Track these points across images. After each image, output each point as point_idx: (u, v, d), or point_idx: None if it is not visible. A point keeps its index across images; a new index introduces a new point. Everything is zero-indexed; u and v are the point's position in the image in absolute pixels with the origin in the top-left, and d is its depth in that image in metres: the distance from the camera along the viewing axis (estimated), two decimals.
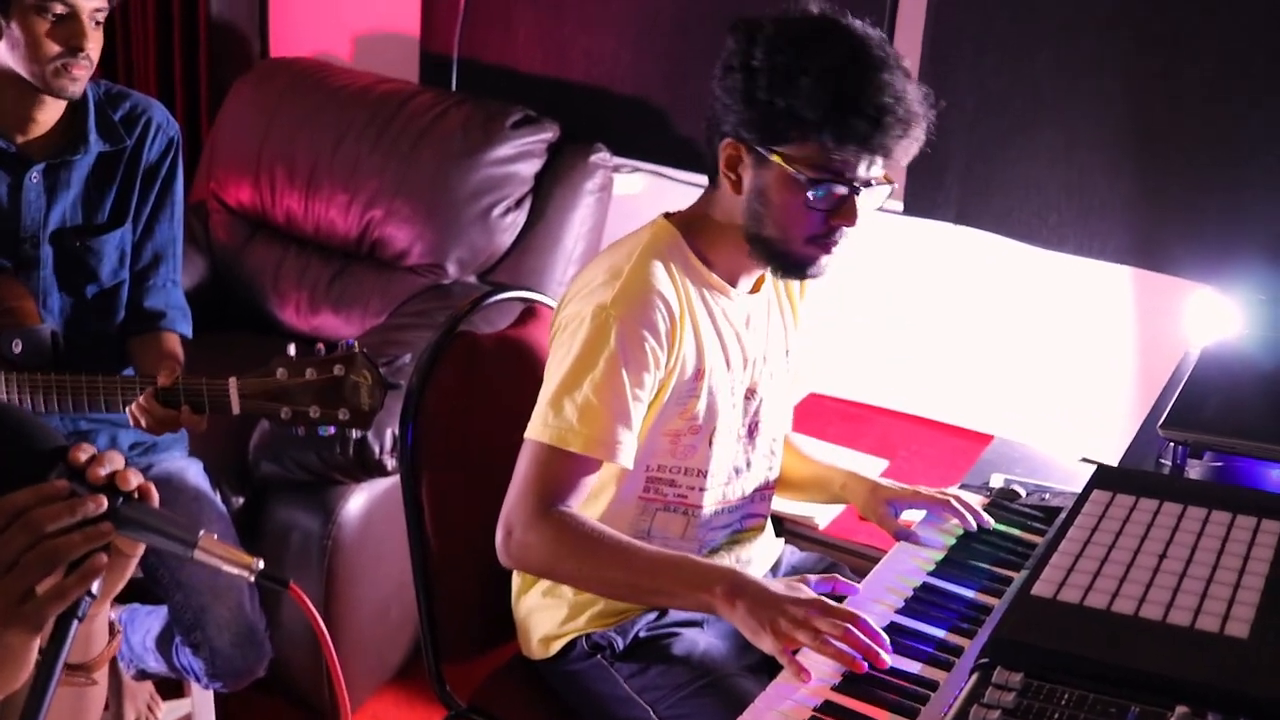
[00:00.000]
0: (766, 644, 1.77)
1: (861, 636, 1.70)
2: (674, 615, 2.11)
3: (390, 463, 2.80)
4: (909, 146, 1.95)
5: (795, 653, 1.73)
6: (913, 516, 2.15)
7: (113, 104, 2.53)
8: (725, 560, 2.16)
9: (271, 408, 2.20)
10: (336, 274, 3.43)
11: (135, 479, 1.21)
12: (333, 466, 2.80)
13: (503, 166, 3.31)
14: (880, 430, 3.18)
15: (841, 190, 1.94)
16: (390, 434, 2.79)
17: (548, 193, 3.35)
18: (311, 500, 2.85)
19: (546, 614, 2.16)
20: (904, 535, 2.08)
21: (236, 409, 2.22)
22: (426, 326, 2.98)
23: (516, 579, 2.21)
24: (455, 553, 2.23)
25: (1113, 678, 1.38)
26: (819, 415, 3.18)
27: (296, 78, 3.57)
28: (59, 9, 2.34)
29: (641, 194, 3.48)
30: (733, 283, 2.10)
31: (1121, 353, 3.06)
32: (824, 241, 1.99)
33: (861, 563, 2.42)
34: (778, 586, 1.83)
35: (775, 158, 1.94)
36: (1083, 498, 1.75)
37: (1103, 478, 1.80)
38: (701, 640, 2.10)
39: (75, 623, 1.17)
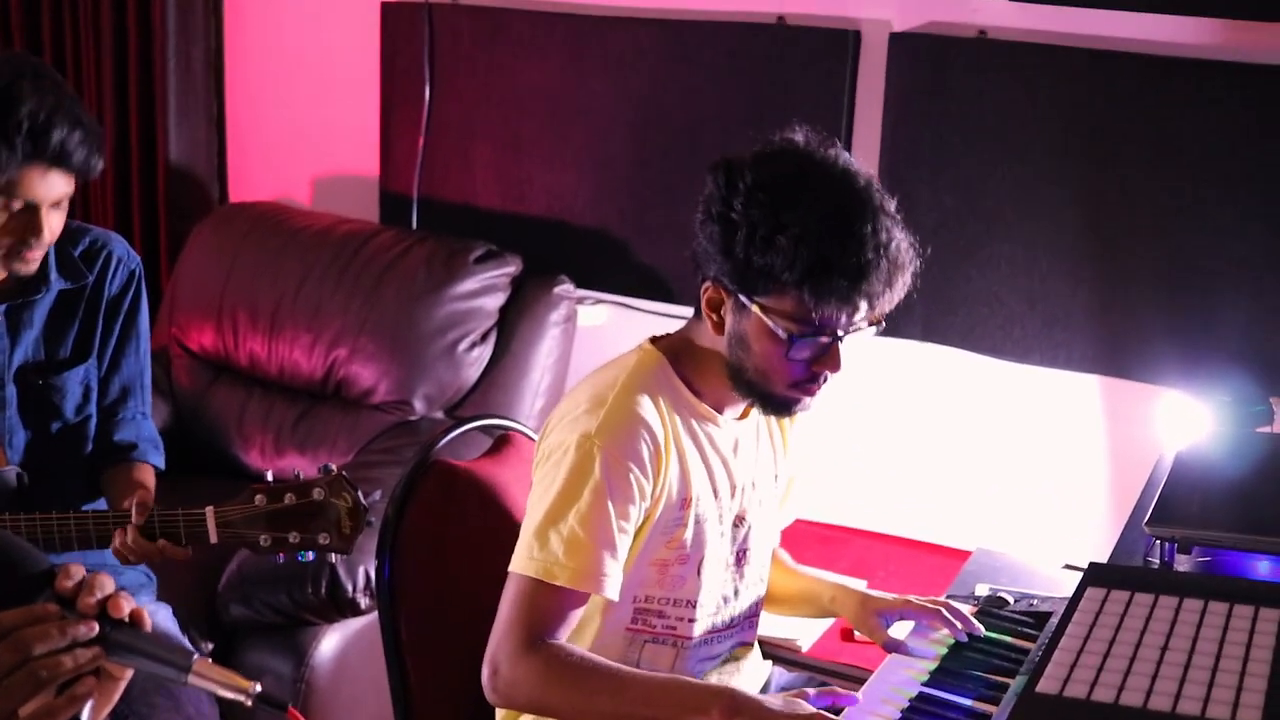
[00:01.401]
0: None
1: None
2: None
3: (364, 601, 2.75)
4: (893, 296, 1.93)
5: None
6: (902, 628, 2.12)
7: (72, 240, 2.50)
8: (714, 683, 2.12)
9: (250, 535, 2.15)
10: (301, 415, 3.40)
11: (128, 605, 1.18)
12: (304, 607, 2.75)
13: (467, 301, 3.31)
14: (857, 552, 3.15)
15: (823, 340, 1.92)
16: (363, 571, 2.74)
17: (513, 326, 3.35)
18: (283, 643, 2.79)
19: None
20: (894, 647, 2.05)
21: (214, 538, 2.17)
22: (395, 463, 2.95)
23: (500, 713, 2.16)
24: (435, 688, 2.18)
25: None
26: (793, 539, 3.14)
27: (257, 221, 3.58)
28: (17, 205, 2.27)
29: (606, 325, 3.48)
30: (720, 409, 2.08)
31: (1095, 459, 3.07)
32: (807, 386, 1.97)
33: (847, 684, 2.37)
34: (775, 703, 1.80)
35: (755, 308, 1.92)
36: (1078, 595, 1.74)
37: (1095, 575, 1.79)
38: None
39: None
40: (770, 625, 2.45)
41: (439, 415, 3.30)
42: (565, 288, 3.40)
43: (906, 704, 1.86)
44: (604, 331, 3.46)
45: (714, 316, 1.99)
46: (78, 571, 1.18)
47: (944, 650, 2.03)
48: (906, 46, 3.05)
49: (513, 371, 3.31)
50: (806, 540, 3.18)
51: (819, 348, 1.93)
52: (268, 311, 3.43)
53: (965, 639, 2.05)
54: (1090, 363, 2.99)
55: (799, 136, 1.97)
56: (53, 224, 2.35)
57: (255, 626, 2.80)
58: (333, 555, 2.18)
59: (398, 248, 3.40)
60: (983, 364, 3.10)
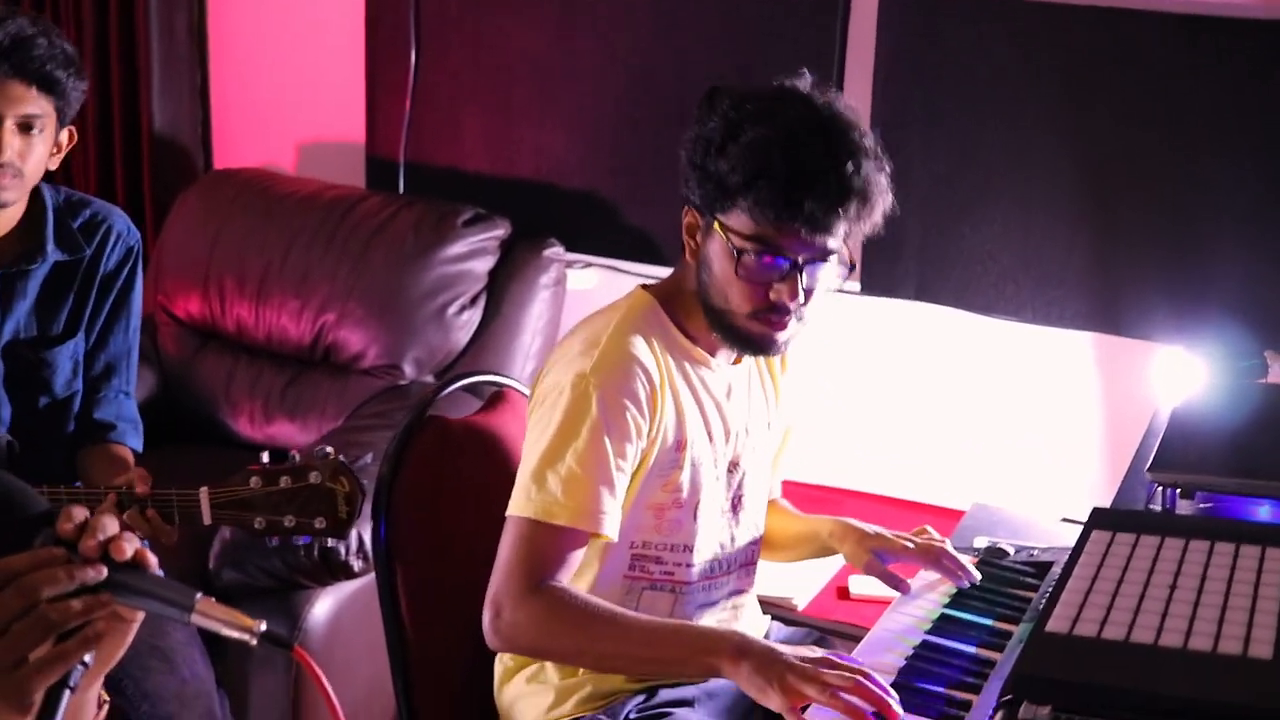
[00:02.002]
0: (774, 701, 1.72)
1: (873, 688, 1.65)
2: (664, 695, 2.05)
3: (357, 564, 2.73)
4: (852, 222, 1.91)
5: (804, 710, 1.68)
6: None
7: (72, 211, 2.46)
8: None
9: (245, 518, 2.12)
10: (290, 381, 3.37)
11: (130, 546, 1.15)
12: (298, 571, 2.72)
13: (456, 264, 3.29)
14: (849, 513, 3.08)
15: (774, 262, 1.90)
16: (356, 534, 2.71)
17: (502, 289, 3.33)
18: (276, 607, 2.76)
19: (531, 701, 2.08)
20: (895, 583, 2.03)
21: (208, 519, 2.14)
22: (386, 427, 2.91)
23: (499, 667, 2.14)
24: (433, 646, 2.16)
25: (1143, 706, 1.34)
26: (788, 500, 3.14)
27: (242, 187, 3.54)
28: None
29: (595, 288, 3.46)
30: (713, 353, 2.07)
31: (1090, 416, 3.07)
32: (767, 316, 1.95)
33: (844, 641, 2.37)
34: (782, 646, 1.78)
35: (716, 225, 1.94)
36: (1083, 539, 1.73)
37: (1099, 519, 1.77)
38: None
39: (67, 693, 1.11)
40: (766, 584, 2.43)
41: (429, 379, 3.27)
42: (555, 250, 3.38)
43: (911, 651, 1.85)
44: (594, 295, 3.44)
45: (691, 243, 2.01)
46: (79, 514, 1.15)
47: (945, 600, 2.02)
48: (897, 2, 3.03)
49: (503, 334, 3.29)
50: (801, 502, 3.15)
51: (771, 270, 1.91)
52: (255, 278, 3.40)
53: (965, 585, 2.04)
54: (1084, 319, 2.98)
55: (802, 81, 1.97)
56: (17, 146, 2.29)
57: (248, 591, 2.77)
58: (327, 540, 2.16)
59: (385, 212, 3.37)
60: (976, 322, 3.09)
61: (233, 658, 2.75)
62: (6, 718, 1.08)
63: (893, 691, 1.67)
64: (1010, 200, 2.99)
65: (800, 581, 2.75)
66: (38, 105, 2.28)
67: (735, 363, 2.12)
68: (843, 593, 2.78)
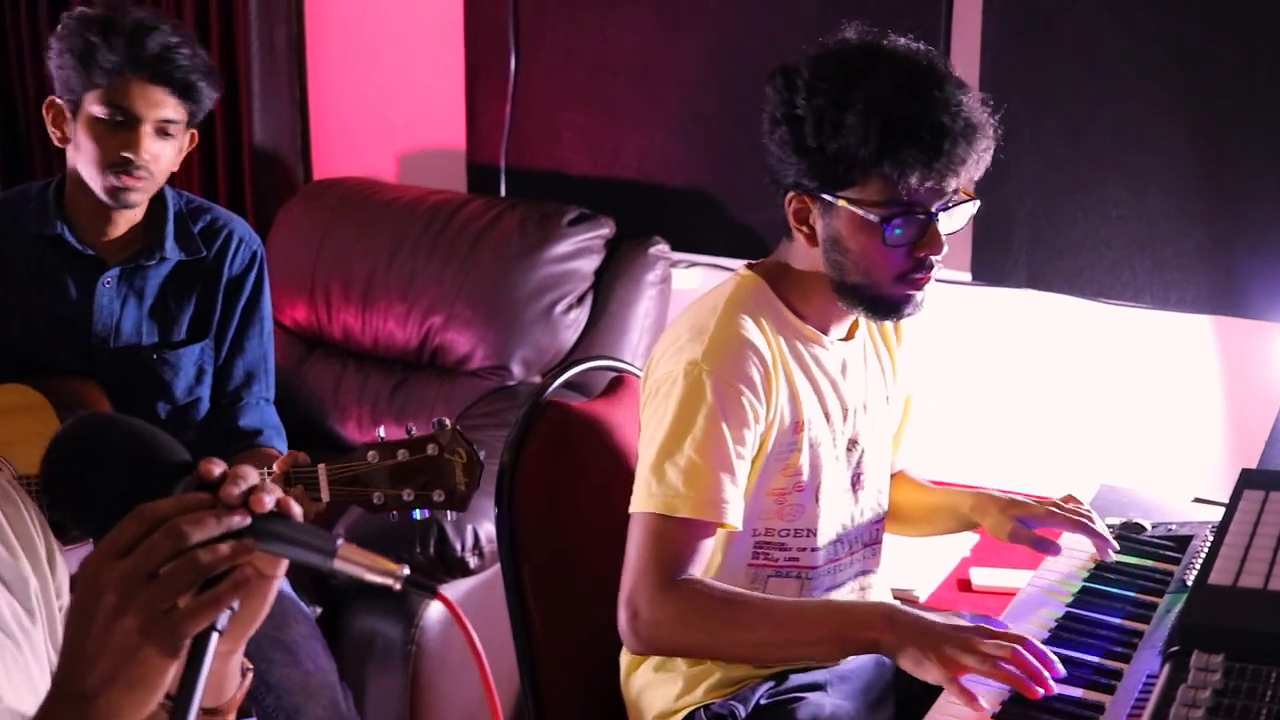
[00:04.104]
0: (931, 673, 1.67)
1: (1031, 659, 1.61)
2: (794, 680, 2.00)
3: (473, 561, 2.72)
4: (978, 158, 1.88)
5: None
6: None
7: (193, 216, 2.51)
8: None
9: (363, 493, 2.09)
10: (398, 384, 3.38)
11: (271, 497, 1.14)
12: (412, 568, 2.70)
13: (562, 264, 3.28)
14: None
15: (916, 220, 1.87)
16: (471, 530, 2.71)
17: (609, 288, 3.32)
18: (392, 606, 2.76)
19: (660, 690, 2.05)
20: (1044, 546, 1.97)
21: (326, 495, 2.12)
22: (497, 426, 2.92)
23: (625, 656, 2.11)
24: (558, 637, 2.14)
25: None
26: None
27: (346, 196, 3.57)
28: (119, 116, 2.32)
29: (700, 287, 3.44)
30: (825, 331, 2.03)
31: (1210, 401, 2.99)
32: (913, 277, 1.91)
33: None
34: (936, 616, 1.74)
35: (842, 203, 1.88)
36: (1235, 499, 1.68)
37: (1249, 479, 1.73)
38: (828, 703, 1.98)
39: (215, 635, 1.09)
40: (886, 576, 2.39)
41: (536, 379, 3.27)
42: (660, 248, 3.36)
43: (1054, 623, 1.82)
44: (699, 294, 3.40)
45: (804, 229, 1.95)
46: (219, 465, 1.14)
47: (1085, 574, 1.98)
48: None
49: (610, 333, 3.27)
50: None
51: (916, 228, 1.87)
52: (360, 284, 3.42)
53: (1110, 557, 1.98)
54: (1204, 302, 2.92)
55: (850, 33, 1.94)
56: (153, 150, 2.35)
57: (363, 591, 2.77)
58: (447, 513, 2.13)
59: (489, 214, 3.38)
60: (1089, 309, 3.03)
61: (350, 655, 2.75)
62: (156, 661, 1.07)
63: (1053, 657, 1.62)
64: (1123, 181, 2.93)
65: (922, 573, 2.70)
66: (176, 111, 2.36)
67: (847, 338, 2.08)
68: (964, 584, 2.72)
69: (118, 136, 2.33)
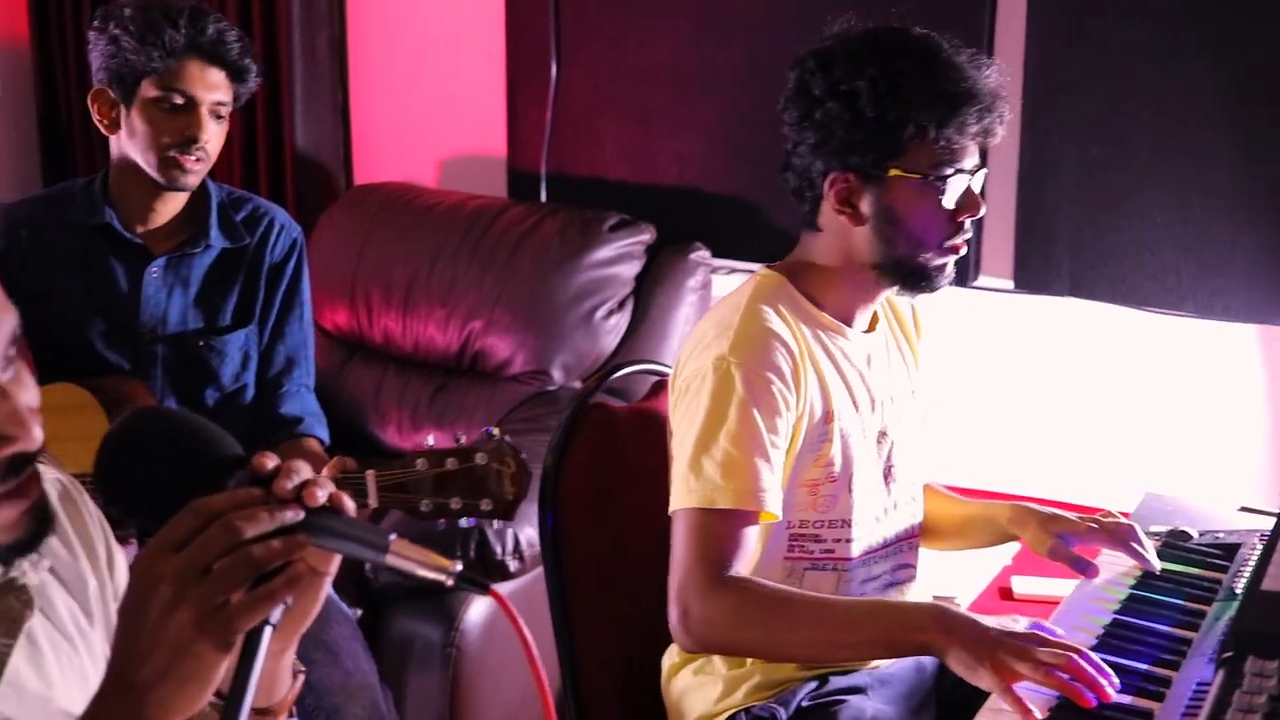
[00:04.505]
0: (985, 680, 1.66)
1: (1086, 667, 1.59)
2: (835, 682, 2.00)
3: (513, 565, 2.72)
4: (1004, 123, 1.97)
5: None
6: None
7: (235, 206, 2.55)
8: None
9: (410, 500, 2.10)
10: (438, 390, 3.38)
11: (323, 491, 1.14)
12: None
13: (603, 269, 3.28)
14: None
15: (965, 181, 1.94)
16: (512, 534, 2.71)
17: (649, 293, 3.31)
18: (432, 608, 2.76)
19: (700, 693, 2.04)
20: (1082, 567, 1.96)
21: (374, 502, 2.13)
22: (538, 431, 2.92)
23: (666, 660, 2.11)
24: (600, 640, 2.14)
25: None
26: None
27: (387, 201, 3.58)
28: (177, 99, 2.37)
29: None
30: (848, 323, 2.05)
31: (1259, 410, 2.97)
32: (953, 243, 1.97)
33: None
34: (989, 620, 1.73)
35: (895, 172, 1.92)
36: None
37: None
38: (869, 707, 1.97)
39: (268, 629, 1.09)
40: (926, 582, 2.37)
41: (577, 385, 3.27)
42: (701, 254, 3.36)
43: (1101, 630, 1.80)
44: None
45: (848, 210, 1.97)
46: (271, 459, 1.14)
47: (1132, 581, 1.96)
48: None
49: (650, 338, 3.27)
50: None
51: (963, 190, 1.95)
52: (401, 288, 3.43)
53: (1155, 569, 1.96)
54: (1251, 311, 2.89)
55: (848, 22, 2.03)
56: (210, 131, 2.38)
57: (404, 593, 2.78)
58: (492, 521, 2.13)
59: (530, 220, 3.38)
60: (1130, 316, 3.01)
61: (390, 657, 2.76)
62: (209, 656, 1.07)
63: (1109, 669, 1.61)
64: (1168, 187, 2.91)
65: (963, 580, 2.69)
66: (228, 93, 2.42)
67: (869, 331, 2.09)
68: (1005, 593, 2.71)
69: (175, 119, 2.39)
